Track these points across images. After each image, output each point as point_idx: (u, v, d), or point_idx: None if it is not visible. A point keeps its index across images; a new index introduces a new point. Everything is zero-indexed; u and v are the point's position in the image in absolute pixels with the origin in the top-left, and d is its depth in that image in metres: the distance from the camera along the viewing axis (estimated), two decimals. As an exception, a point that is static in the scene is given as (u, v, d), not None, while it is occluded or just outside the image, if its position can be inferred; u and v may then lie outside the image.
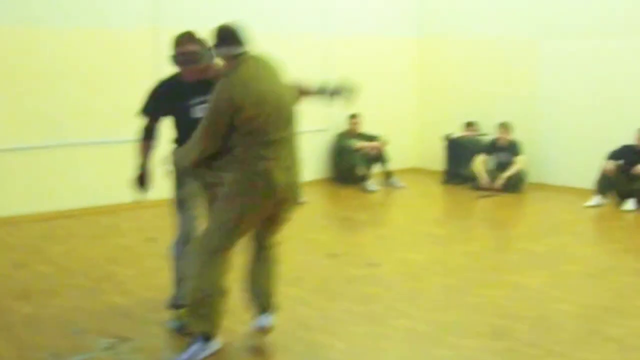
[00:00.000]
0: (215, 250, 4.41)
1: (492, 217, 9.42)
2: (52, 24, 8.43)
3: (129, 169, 8.81)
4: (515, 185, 10.43)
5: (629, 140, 9.61)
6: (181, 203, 4.89)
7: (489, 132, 11.12)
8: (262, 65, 4.43)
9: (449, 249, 7.49)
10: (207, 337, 4.50)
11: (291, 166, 4.47)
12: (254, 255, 4.77)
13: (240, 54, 4.36)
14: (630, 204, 9.26)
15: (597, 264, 6.99)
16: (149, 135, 4.93)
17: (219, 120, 4.28)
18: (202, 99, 4.66)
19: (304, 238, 7.62)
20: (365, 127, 11.18)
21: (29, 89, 8.35)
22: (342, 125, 11.17)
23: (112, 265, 6.62)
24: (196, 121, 4.48)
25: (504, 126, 10.66)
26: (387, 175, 11.06)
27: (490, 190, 10.40)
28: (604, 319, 5.35)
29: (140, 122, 4.95)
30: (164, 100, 4.83)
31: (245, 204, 4.35)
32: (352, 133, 11.09)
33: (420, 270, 6.62)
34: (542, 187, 10.66)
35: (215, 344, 4.57)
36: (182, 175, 4.83)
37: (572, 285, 6.23)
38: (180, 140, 4.79)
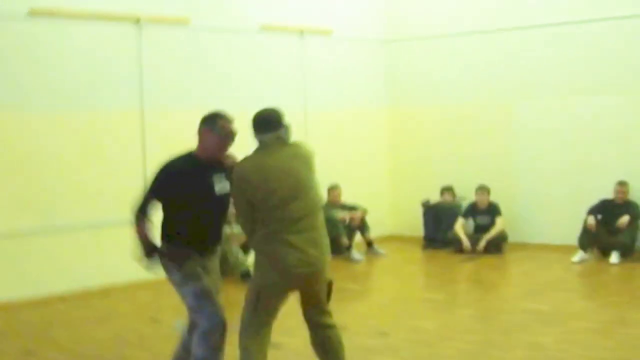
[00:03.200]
0: (246, 325, 4.64)
1: (482, 279, 9.53)
2: (38, 108, 8.43)
3: (119, 250, 8.96)
4: (497, 246, 10.57)
5: (607, 194, 9.86)
6: (205, 294, 4.75)
7: (465, 194, 11.25)
8: (278, 148, 4.61)
9: (453, 313, 7.56)
10: None
11: (309, 245, 4.58)
12: (312, 338, 4.88)
13: (264, 141, 4.60)
14: (614, 257, 9.48)
15: (601, 318, 7.15)
16: (145, 215, 4.77)
17: (239, 199, 4.63)
18: (222, 174, 4.79)
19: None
20: (341, 197, 11.25)
21: (17, 174, 8.30)
22: (323, 198, 11.18)
23: (124, 348, 6.52)
24: (221, 198, 4.74)
25: (482, 189, 10.84)
26: (369, 243, 11.13)
27: (472, 253, 10.53)
28: (628, 372, 5.49)
29: (142, 203, 4.77)
30: (180, 179, 4.71)
31: (260, 282, 4.63)
32: (333, 204, 11.14)
33: (431, 336, 6.66)
34: (523, 246, 10.74)
35: None
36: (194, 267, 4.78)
37: (585, 340, 6.35)
38: (200, 221, 4.78)
